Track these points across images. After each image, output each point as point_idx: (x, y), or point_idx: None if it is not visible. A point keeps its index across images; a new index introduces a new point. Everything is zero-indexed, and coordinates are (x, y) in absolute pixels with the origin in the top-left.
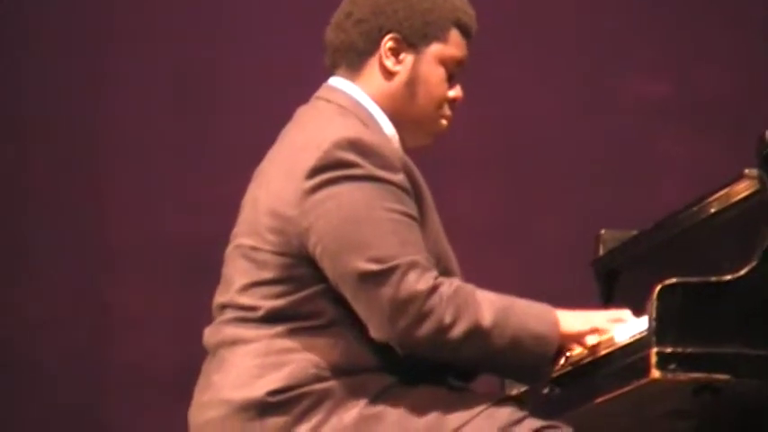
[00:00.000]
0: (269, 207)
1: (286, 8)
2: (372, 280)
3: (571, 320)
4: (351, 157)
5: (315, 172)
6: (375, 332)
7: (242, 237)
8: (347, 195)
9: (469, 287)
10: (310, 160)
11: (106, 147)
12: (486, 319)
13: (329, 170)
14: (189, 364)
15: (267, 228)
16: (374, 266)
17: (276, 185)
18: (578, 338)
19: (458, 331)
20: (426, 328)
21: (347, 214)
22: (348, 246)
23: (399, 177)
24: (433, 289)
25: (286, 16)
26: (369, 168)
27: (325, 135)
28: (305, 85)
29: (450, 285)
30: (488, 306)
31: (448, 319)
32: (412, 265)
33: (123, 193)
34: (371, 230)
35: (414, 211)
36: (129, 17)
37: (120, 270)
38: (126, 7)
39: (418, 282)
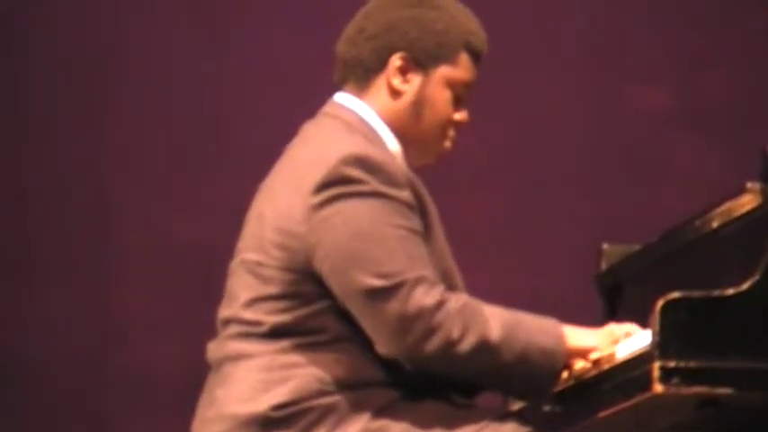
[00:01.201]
0: (275, 223)
1: (300, 14)
2: (380, 296)
3: (578, 336)
4: (357, 173)
5: (321, 188)
6: (383, 348)
7: (247, 252)
8: (354, 211)
9: (476, 302)
10: (317, 176)
11: (112, 151)
12: (495, 333)
13: (336, 186)
14: (193, 369)
15: (273, 243)
16: (381, 282)
17: (282, 201)
18: (584, 354)
19: (466, 346)
20: (434, 342)
21: (354, 230)
22: (355, 262)
23: (405, 194)
24: (441, 304)
25: (299, 22)
26: (375, 185)
27: (331, 151)
28: (317, 93)
29: (457, 300)
30: (496, 321)
31: (456, 334)
32: (419, 281)
33: (129, 198)
34: (378, 246)
35: (419, 227)
36: (136, 20)
37: (125, 275)
38: (133, 9)
39: (426, 297)
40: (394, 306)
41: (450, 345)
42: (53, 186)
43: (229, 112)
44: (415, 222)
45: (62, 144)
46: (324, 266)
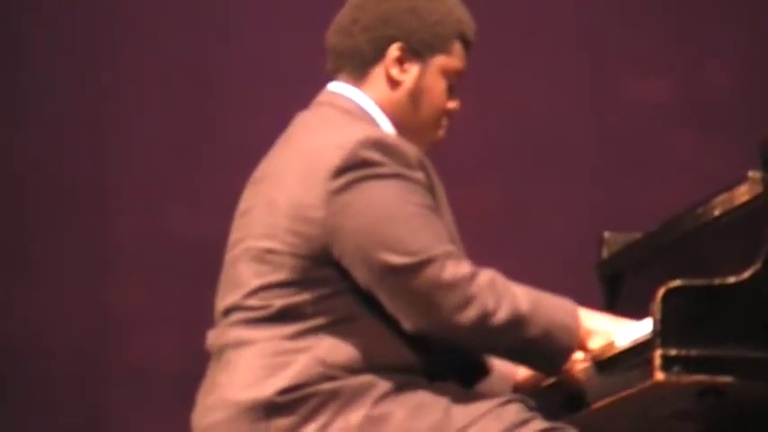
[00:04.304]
0: (289, 210)
1: (297, 10)
2: (411, 272)
3: (591, 318)
4: (376, 156)
5: (340, 172)
6: (417, 323)
7: (253, 239)
8: (376, 194)
9: (502, 277)
10: (334, 161)
11: (110, 146)
12: (524, 307)
13: (355, 169)
14: (192, 363)
15: (287, 230)
16: (411, 259)
17: (295, 188)
18: (593, 336)
19: (500, 317)
20: (470, 313)
21: (378, 212)
22: (382, 243)
23: (419, 175)
24: (474, 275)
25: (297, 17)
26: (393, 167)
27: (344, 136)
28: (312, 87)
29: (486, 273)
30: (523, 295)
31: (491, 305)
32: (448, 255)
33: (127, 192)
34: (404, 226)
35: (435, 206)
36: (134, 14)
37: (123, 269)
38: (131, 5)
39: (456, 269)
40: (427, 279)
41: (486, 316)
42: (51, 180)
43: (226, 105)
44: (432, 202)
45: (60, 138)
46: (347, 250)
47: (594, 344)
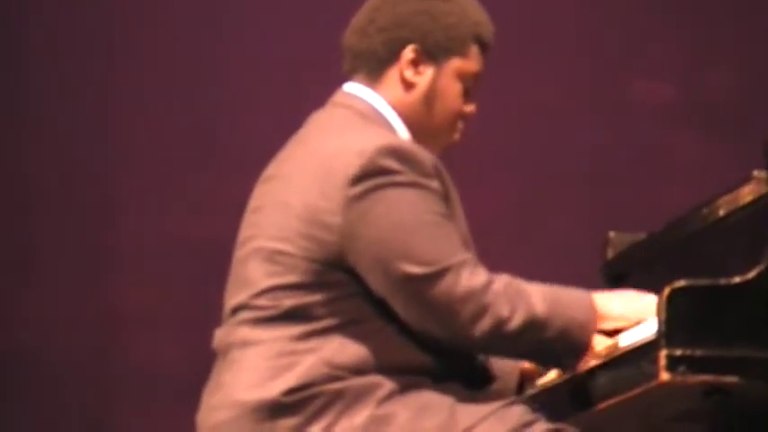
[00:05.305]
0: (303, 213)
1: (300, 7)
2: (427, 282)
3: (606, 303)
4: (394, 164)
5: (359, 179)
6: (433, 332)
7: (265, 239)
8: (394, 202)
9: (517, 280)
10: (352, 167)
11: (112, 147)
12: (540, 310)
13: (374, 177)
14: (196, 364)
15: (301, 233)
16: (427, 269)
17: (310, 191)
18: (616, 321)
19: (516, 323)
20: (485, 322)
21: (396, 221)
22: (399, 252)
23: (435, 183)
24: (488, 284)
25: (304, 16)
26: (411, 175)
27: (362, 142)
28: (317, 86)
29: (500, 280)
30: (539, 297)
31: (506, 312)
32: (463, 264)
33: (130, 193)
34: (420, 235)
35: (449, 215)
36: (137, 14)
37: (127, 270)
38: (131, 5)
39: (472, 278)
40: (442, 290)
41: (501, 324)
42: (53, 181)
43: (226, 105)
44: (446, 210)
45: (64, 140)
46: (363, 258)
47: (599, 345)
